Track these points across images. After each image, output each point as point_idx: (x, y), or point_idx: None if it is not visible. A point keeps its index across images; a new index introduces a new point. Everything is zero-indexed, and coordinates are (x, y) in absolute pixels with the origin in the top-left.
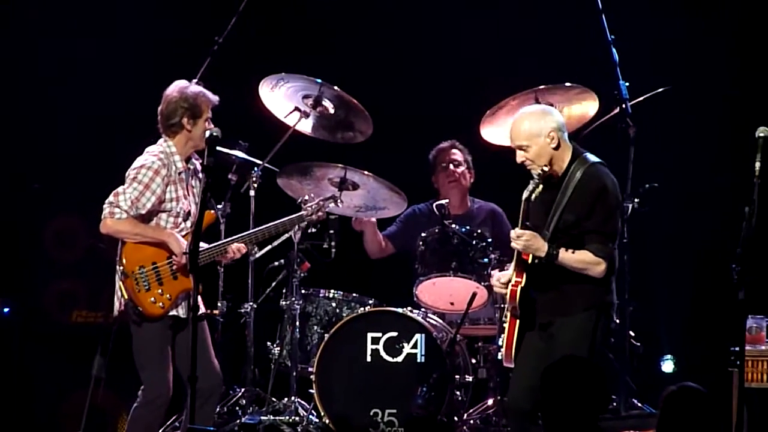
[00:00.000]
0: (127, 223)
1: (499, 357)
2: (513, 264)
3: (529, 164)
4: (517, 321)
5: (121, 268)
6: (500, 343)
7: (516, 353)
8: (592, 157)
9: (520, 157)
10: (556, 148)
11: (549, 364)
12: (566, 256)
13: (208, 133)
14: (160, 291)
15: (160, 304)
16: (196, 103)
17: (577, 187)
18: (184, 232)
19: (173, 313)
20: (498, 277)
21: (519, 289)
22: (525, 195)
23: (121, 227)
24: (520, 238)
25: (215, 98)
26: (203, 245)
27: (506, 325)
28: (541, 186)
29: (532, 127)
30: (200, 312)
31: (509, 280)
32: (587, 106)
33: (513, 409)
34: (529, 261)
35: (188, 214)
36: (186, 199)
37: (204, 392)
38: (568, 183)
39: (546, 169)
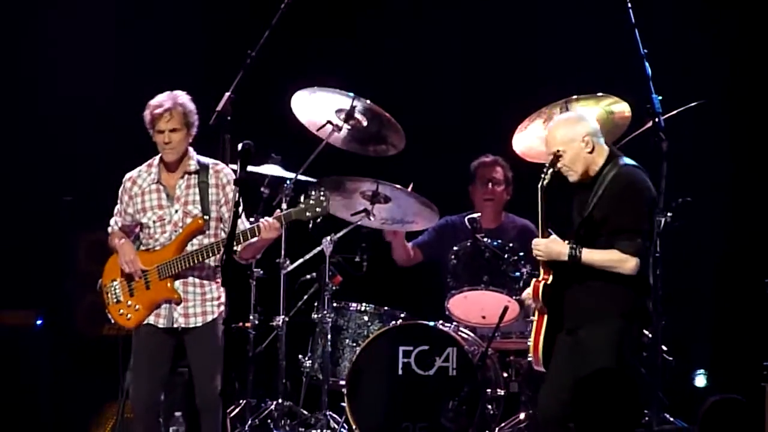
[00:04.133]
0: (111, 237)
1: (529, 358)
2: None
3: (566, 170)
4: (545, 319)
5: (99, 282)
6: (529, 343)
7: (545, 356)
8: (627, 160)
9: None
10: (591, 152)
11: (580, 377)
12: (591, 256)
13: (240, 146)
14: (129, 303)
15: (128, 315)
16: (147, 116)
17: (607, 187)
18: (159, 243)
19: (150, 321)
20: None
21: (542, 285)
22: (540, 184)
23: (109, 241)
24: (538, 247)
25: (160, 107)
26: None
27: (534, 324)
28: (551, 171)
29: (566, 133)
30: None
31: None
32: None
33: (544, 419)
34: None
35: (170, 222)
36: (162, 210)
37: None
38: (601, 183)
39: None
